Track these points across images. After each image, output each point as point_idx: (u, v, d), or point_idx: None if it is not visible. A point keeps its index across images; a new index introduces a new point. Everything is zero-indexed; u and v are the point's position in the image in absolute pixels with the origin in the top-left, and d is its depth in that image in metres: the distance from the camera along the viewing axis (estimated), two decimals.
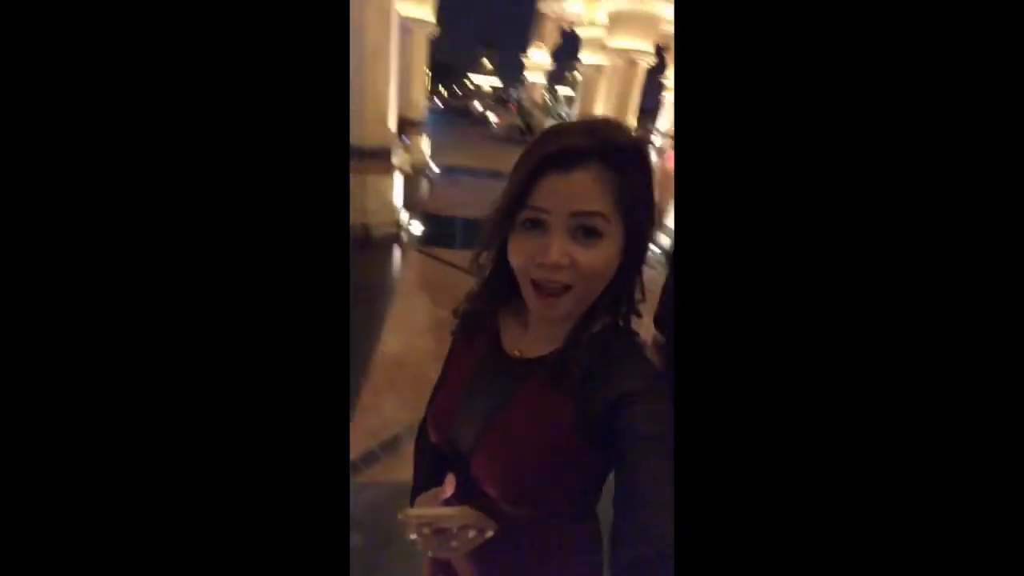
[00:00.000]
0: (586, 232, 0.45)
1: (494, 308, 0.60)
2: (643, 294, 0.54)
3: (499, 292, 0.57)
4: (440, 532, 0.49)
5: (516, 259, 0.49)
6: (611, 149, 0.45)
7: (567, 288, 0.47)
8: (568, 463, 0.50)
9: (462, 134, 13.33)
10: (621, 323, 0.54)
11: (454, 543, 0.50)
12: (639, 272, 0.52)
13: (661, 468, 0.42)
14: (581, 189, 0.45)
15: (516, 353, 0.56)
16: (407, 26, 6.37)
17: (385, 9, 3.68)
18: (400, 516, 0.48)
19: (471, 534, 0.50)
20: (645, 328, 0.53)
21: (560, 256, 0.45)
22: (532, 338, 0.56)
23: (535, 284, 0.48)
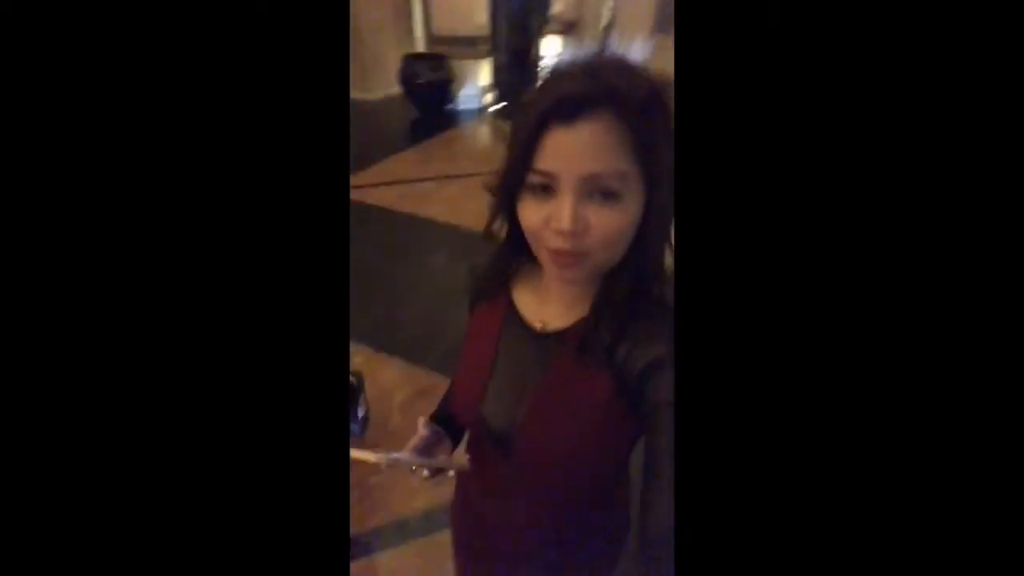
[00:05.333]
0: (603, 194, 0.41)
1: (506, 274, 0.57)
2: (673, 252, 0.47)
3: (512, 256, 0.54)
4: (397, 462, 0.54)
5: (528, 224, 0.45)
6: (622, 94, 0.39)
7: (585, 255, 0.44)
8: (606, 435, 0.50)
9: None
10: (647, 287, 0.49)
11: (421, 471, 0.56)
12: (666, 231, 0.46)
13: None
14: (591, 145, 0.40)
15: (538, 325, 0.54)
16: None
17: None
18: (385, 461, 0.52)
19: (424, 473, 0.57)
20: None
21: (574, 223, 0.41)
22: (553, 308, 0.53)
23: (550, 251, 0.45)
